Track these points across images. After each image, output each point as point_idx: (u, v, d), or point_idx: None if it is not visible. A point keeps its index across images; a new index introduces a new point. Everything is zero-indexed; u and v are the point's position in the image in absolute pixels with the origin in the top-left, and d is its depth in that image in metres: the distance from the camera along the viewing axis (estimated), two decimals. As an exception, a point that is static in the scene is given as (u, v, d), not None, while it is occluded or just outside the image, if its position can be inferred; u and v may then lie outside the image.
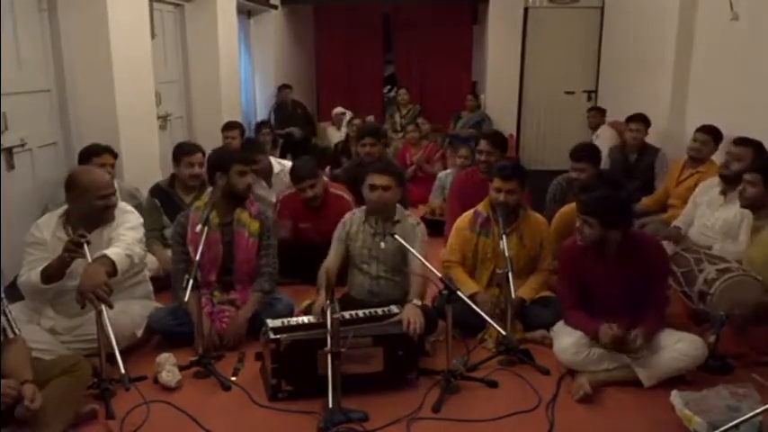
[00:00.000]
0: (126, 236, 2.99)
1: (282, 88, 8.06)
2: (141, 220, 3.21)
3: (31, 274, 2.87)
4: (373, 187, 3.22)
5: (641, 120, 5.32)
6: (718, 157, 4.42)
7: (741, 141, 3.80)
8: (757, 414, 2.15)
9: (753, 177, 3.29)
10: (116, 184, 3.93)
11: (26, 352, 2.43)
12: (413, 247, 3.02)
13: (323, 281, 3.13)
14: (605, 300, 2.98)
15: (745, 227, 3.55)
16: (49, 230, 2.98)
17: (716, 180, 3.89)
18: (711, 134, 4.50)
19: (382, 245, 3.20)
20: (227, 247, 3.32)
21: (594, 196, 2.92)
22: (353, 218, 3.35)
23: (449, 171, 5.57)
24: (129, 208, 3.23)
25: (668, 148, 5.31)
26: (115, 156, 3.99)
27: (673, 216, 4.25)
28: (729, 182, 3.72)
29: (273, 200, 4.54)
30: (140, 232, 3.12)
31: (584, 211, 2.90)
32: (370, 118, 8.19)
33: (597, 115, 6.86)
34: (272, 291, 3.38)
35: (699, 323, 3.24)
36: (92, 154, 3.87)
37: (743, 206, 3.39)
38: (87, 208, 2.97)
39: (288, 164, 4.92)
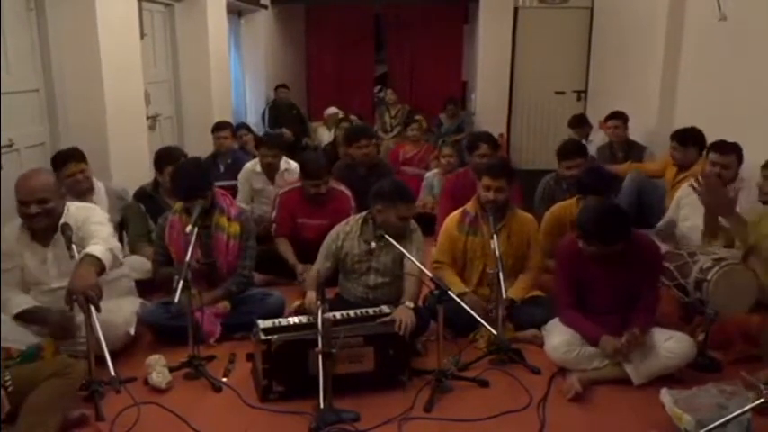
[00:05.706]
0: (99, 231, 2.92)
1: (279, 88, 8.00)
2: (105, 214, 3.14)
3: (9, 304, 2.88)
4: (404, 219, 3.19)
5: (618, 116, 5.52)
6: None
7: (724, 149, 3.69)
8: (745, 412, 2.16)
9: None
10: (98, 187, 3.89)
11: None
12: (410, 250, 3.05)
13: (312, 282, 3.13)
14: (600, 298, 3.00)
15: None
16: (12, 237, 2.97)
17: None
18: (686, 143, 4.48)
19: (372, 244, 3.21)
20: (205, 248, 3.33)
21: (594, 222, 2.86)
22: (347, 232, 3.31)
23: (435, 171, 5.56)
24: (89, 205, 3.21)
25: (657, 148, 5.34)
26: (83, 160, 3.79)
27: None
28: None
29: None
30: (110, 226, 3.07)
31: (586, 238, 2.86)
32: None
33: (580, 127, 6.64)
34: (238, 293, 3.39)
35: (689, 321, 3.26)
36: (58, 165, 3.72)
37: (762, 201, 3.32)
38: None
39: (293, 164, 4.93)
